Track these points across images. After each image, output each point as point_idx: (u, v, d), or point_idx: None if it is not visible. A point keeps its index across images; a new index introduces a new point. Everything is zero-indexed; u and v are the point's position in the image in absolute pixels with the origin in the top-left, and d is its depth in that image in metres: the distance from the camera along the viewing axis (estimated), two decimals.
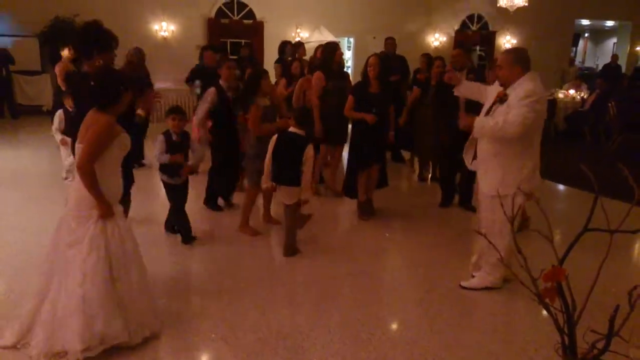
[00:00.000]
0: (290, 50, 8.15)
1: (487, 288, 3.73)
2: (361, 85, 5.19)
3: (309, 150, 4.20)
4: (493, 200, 3.44)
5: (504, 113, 3.37)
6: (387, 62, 7.34)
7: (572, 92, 11.85)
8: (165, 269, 3.99)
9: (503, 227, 3.43)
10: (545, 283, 1.53)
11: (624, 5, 17.02)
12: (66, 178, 5.95)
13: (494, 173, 3.53)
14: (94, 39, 3.56)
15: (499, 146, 3.47)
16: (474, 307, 3.58)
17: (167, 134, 4.39)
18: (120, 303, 2.78)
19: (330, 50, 5.91)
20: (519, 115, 3.27)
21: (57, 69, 8.11)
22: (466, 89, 3.95)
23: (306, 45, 8.52)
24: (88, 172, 2.72)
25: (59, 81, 8.40)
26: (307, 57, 7.72)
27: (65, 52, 8.10)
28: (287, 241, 4.37)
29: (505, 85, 3.50)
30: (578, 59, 20.16)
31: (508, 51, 3.63)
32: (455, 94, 4.00)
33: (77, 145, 2.85)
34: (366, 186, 5.31)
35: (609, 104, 9.95)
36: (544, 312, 1.58)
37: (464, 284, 3.81)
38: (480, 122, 3.44)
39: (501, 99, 3.45)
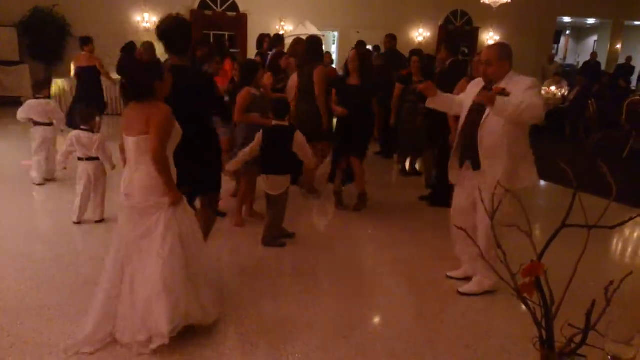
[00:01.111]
0: (268, 43, 8.12)
1: (487, 292, 3.62)
2: (342, 78, 5.26)
3: (298, 136, 4.24)
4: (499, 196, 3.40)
5: None
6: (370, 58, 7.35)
7: (552, 88, 11.98)
8: None
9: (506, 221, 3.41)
10: (524, 278, 1.54)
11: (605, 3, 17.26)
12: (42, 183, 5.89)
13: (505, 165, 3.34)
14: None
15: (507, 138, 3.31)
16: (454, 301, 3.60)
17: None
18: (195, 283, 2.91)
19: (317, 43, 5.84)
20: (536, 100, 3.14)
21: (98, 62, 8.05)
22: (437, 101, 3.72)
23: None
24: (164, 159, 2.77)
25: (108, 75, 8.19)
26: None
27: (89, 48, 8.06)
28: (267, 227, 4.38)
29: (492, 82, 3.37)
30: (559, 56, 20.39)
31: (495, 47, 3.48)
32: (427, 104, 3.75)
33: (128, 138, 2.83)
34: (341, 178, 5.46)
35: (589, 101, 10.09)
36: (523, 307, 1.59)
37: (462, 289, 3.68)
38: (503, 98, 3.13)
39: (501, 93, 3.24)
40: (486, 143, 3.38)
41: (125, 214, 2.89)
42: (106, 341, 2.81)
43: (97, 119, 5.09)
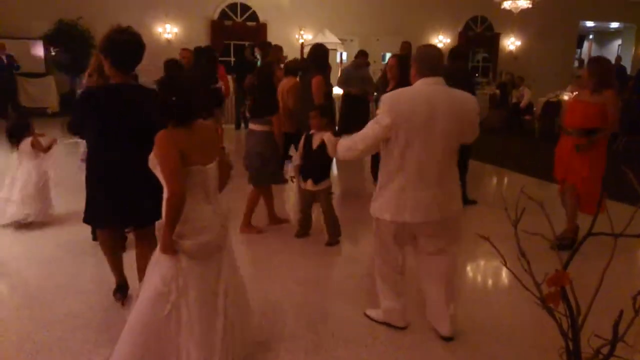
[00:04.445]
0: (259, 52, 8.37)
1: (386, 323, 3.24)
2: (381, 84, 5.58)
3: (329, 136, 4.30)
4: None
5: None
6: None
7: (576, 94, 11.81)
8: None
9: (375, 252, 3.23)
10: (549, 287, 1.51)
11: (628, 7, 17.00)
12: None
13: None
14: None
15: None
16: (478, 310, 3.55)
17: None
18: None
19: (323, 52, 5.76)
20: (353, 143, 2.91)
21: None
22: None
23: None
24: None
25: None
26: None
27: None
28: (331, 230, 4.59)
29: None
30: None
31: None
32: None
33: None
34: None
35: None
36: (548, 316, 1.56)
37: (368, 312, 3.36)
38: (345, 141, 3.01)
39: None
40: None
41: None
42: None
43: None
